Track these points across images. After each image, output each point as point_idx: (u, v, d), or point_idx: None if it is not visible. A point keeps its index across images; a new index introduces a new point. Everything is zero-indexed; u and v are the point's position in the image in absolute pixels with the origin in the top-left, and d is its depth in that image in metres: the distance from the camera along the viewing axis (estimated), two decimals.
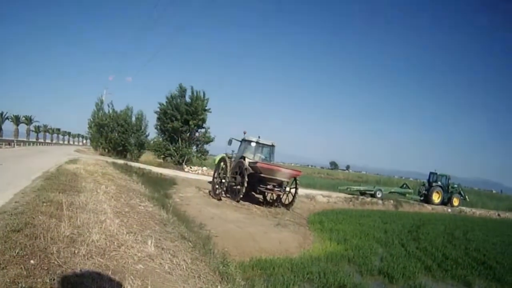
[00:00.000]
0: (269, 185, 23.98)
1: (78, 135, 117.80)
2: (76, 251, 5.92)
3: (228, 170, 25.07)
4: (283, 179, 24.31)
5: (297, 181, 25.37)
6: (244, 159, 24.14)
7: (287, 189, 25.47)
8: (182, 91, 46.12)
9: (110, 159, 34.72)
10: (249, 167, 23.38)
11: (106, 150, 48.09)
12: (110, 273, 5.32)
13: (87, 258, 5.73)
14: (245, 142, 26.07)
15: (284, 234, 17.82)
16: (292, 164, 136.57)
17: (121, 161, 33.23)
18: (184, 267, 6.38)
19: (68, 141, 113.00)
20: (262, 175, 23.33)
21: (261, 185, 24.01)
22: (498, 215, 47.78)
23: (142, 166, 33.54)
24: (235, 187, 24.26)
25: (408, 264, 15.02)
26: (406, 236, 21.58)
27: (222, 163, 26.01)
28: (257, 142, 25.78)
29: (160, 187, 22.90)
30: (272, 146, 26.46)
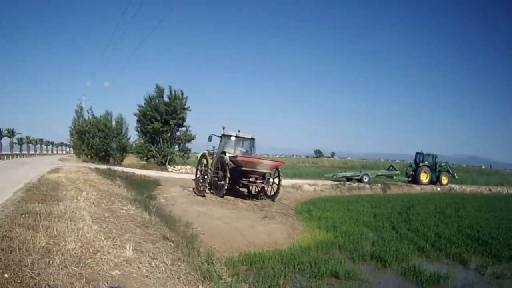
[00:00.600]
0: (251, 177, 24.04)
1: (61, 144, 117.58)
2: (50, 262, 5.69)
3: (209, 166, 24.97)
4: (265, 171, 24.42)
5: (280, 172, 25.36)
6: (225, 154, 24.12)
7: (271, 180, 25.47)
8: (160, 91, 46.04)
9: (93, 165, 34.46)
10: (230, 162, 23.36)
11: (89, 157, 47.81)
12: (84, 281, 5.09)
13: (61, 268, 5.50)
14: (225, 137, 26.08)
15: (272, 226, 17.63)
16: (277, 156, 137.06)
17: (104, 166, 32.95)
18: (164, 269, 6.16)
19: (52, 151, 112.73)
20: (243, 168, 23.34)
21: (243, 179, 24.04)
22: (489, 190, 48.13)
23: (125, 169, 33.28)
24: (218, 182, 24.17)
25: (400, 246, 14.84)
26: (396, 219, 21.48)
27: (203, 160, 25.85)
28: (236, 136, 25.86)
29: (144, 189, 22.72)
30: (252, 139, 26.55)
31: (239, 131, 26.21)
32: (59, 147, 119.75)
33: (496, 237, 17.16)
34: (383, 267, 12.74)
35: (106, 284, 5.09)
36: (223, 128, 26.43)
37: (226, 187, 23.15)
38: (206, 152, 26.64)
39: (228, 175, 22.93)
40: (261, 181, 24.68)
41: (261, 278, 10.29)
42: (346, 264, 12.61)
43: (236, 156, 23.57)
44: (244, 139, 26.38)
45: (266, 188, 25.71)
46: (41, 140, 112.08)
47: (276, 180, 25.43)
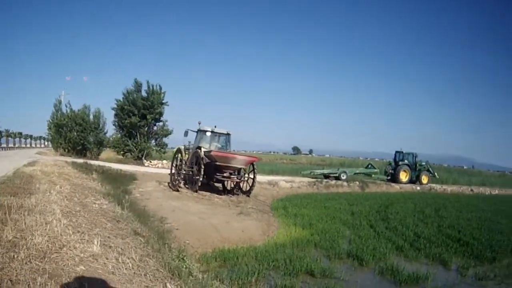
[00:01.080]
0: (226, 173, 24.19)
1: (40, 137, 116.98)
2: (15, 256, 5.51)
3: (184, 161, 25.23)
4: (239, 166, 24.56)
5: (255, 168, 25.53)
6: (200, 149, 24.16)
7: (246, 176, 25.73)
8: (138, 86, 46.14)
9: (70, 159, 34.31)
10: (205, 157, 23.43)
11: (66, 150, 47.53)
12: (47, 277, 4.94)
13: (25, 263, 5.33)
14: (201, 132, 26.15)
15: (247, 222, 17.53)
16: (254, 152, 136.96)
17: (80, 160, 32.71)
18: (131, 265, 6.03)
19: (31, 144, 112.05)
20: (217, 163, 23.52)
21: (218, 174, 24.08)
22: (471, 190, 48.34)
23: (102, 163, 33.06)
24: (193, 177, 24.29)
25: (378, 245, 14.80)
26: (374, 217, 21.46)
27: (178, 155, 26.22)
28: (212, 132, 25.92)
29: (120, 184, 22.61)
30: (228, 134, 26.74)
31: (215, 126, 26.30)
32: (38, 141, 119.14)
33: (478, 237, 17.12)
34: (360, 266, 12.64)
35: (69, 280, 4.97)
36: (199, 123, 26.55)
37: (200, 182, 23.21)
38: (182, 147, 26.74)
39: (203, 170, 23.03)
40: (235, 176, 24.89)
41: (235, 275, 10.16)
42: (322, 262, 12.48)
43: (210, 151, 23.59)
44: (220, 134, 26.55)
45: (241, 184, 25.90)
46: (20, 133, 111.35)
47: (252, 176, 25.50)
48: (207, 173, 24.32)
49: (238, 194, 25.19)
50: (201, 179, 23.17)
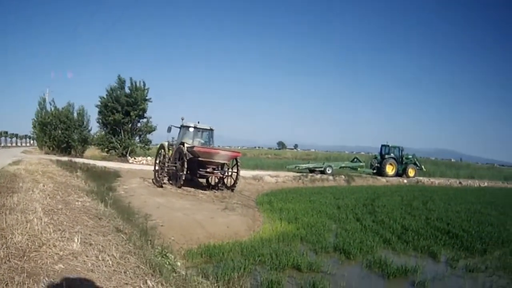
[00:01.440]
0: (209, 168, 24.31)
1: (26, 136, 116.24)
2: None
3: (168, 157, 25.45)
4: (222, 161, 24.76)
5: (238, 162, 25.68)
6: (183, 145, 24.32)
7: (229, 171, 26.02)
8: (121, 82, 45.94)
9: (55, 157, 34.06)
10: (188, 152, 23.58)
11: (51, 149, 47.23)
12: (25, 276, 4.88)
13: (4, 262, 5.27)
14: (184, 128, 26.31)
15: (232, 217, 17.45)
16: (239, 148, 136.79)
17: (65, 158, 32.45)
18: (111, 263, 5.96)
19: (16, 143, 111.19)
20: (200, 159, 23.63)
21: (201, 169, 24.19)
22: (460, 183, 48.56)
23: (86, 161, 32.95)
24: (176, 173, 24.54)
25: (365, 238, 14.79)
26: (361, 210, 21.50)
27: (161, 151, 26.55)
28: (195, 127, 26.09)
29: (104, 181, 22.46)
30: (211, 130, 26.88)
31: (198, 122, 26.46)
32: (24, 139, 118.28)
33: (467, 230, 17.13)
34: (347, 259, 12.61)
35: (47, 278, 4.91)
36: (182, 119, 26.64)
37: (183, 178, 23.43)
38: (166, 143, 26.92)
39: (186, 166, 23.16)
40: (218, 171, 25.05)
41: (220, 271, 10.09)
42: (308, 256, 12.44)
43: (193, 147, 23.76)
44: (203, 130, 26.69)
45: (225, 179, 26.11)
46: (6, 132, 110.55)
47: (235, 171, 25.67)
48: (191, 169, 24.24)
49: (222, 189, 25.28)
50: (184, 175, 23.33)
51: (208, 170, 24.60)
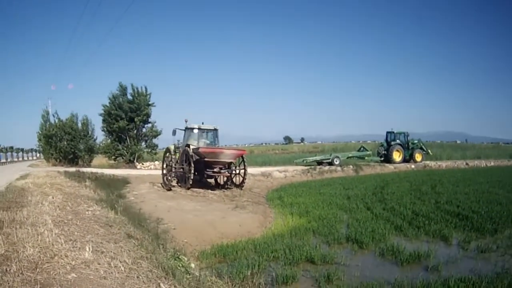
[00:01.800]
0: (215, 168, 24.59)
1: (31, 150, 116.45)
2: (7, 269, 5.52)
3: (173, 160, 26.01)
4: (228, 160, 25.08)
5: (245, 160, 25.97)
6: (189, 147, 24.66)
7: (236, 169, 26.28)
8: (123, 89, 46.00)
9: (62, 169, 33.98)
10: (194, 154, 23.85)
11: (58, 160, 47.10)
12: (38, 287, 4.93)
13: (17, 275, 5.31)
14: (188, 130, 26.63)
15: (243, 216, 17.54)
16: (246, 145, 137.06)
17: (72, 169, 32.43)
18: (123, 269, 5.96)
19: (23, 158, 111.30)
20: (206, 159, 23.90)
21: (208, 169, 24.44)
22: (467, 164, 48.60)
23: (94, 170, 32.82)
24: (184, 175, 24.76)
25: (376, 226, 14.68)
26: (370, 199, 21.40)
27: (167, 154, 27.05)
28: (199, 128, 26.35)
29: (113, 188, 22.43)
30: (215, 130, 27.12)
31: (202, 123, 26.73)
32: (29, 153, 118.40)
33: (477, 211, 17.01)
34: (360, 249, 12.52)
35: None
36: (186, 121, 26.93)
37: (192, 179, 23.56)
38: (172, 146, 27.30)
39: (193, 167, 23.38)
40: (225, 170, 25.32)
41: (235, 269, 10.05)
42: (321, 248, 12.37)
43: (198, 148, 24.00)
44: (207, 130, 26.96)
45: (233, 177, 26.46)
46: (11, 147, 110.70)
47: (243, 169, 25.88)
48: (198, 170, 24.50)
49: (231, 188, 25.58)
50: (192, 176, 23.46)
51: (215, 170, 24.81)
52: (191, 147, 24.89)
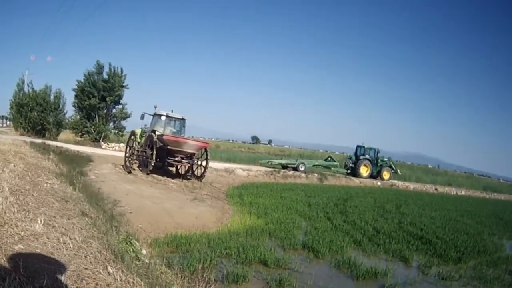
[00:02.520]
0: (177, 157, 24.86)
1: (2, 117, 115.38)
2: None
3: (137, 144, 26.29)
4: (190, 151, 25.23)
5: (208, 153, 26.51)
6: (154, 133, 24.98)
7: (198, 161, 26.83)
8: (99, 67, 45.75)
9: (29, 139, 33.64)
10: (158, 140, 24.14)
11: (26, 130, 46.63)
12: None
13: None
14: (156, 116, 26.86)
15: (201, 208, 17.55)
16: (213, 140, 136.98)
17: (39, 141, 32.08)
18: (72, 246, 5.89)
19: None
20: (169, 147, 24.13)
21: (169, 158, 24.75)
22: (436, 189, 49.03)
23: (59, 144, 32.57)
24: (146, 160, 25.02)
25: (335, 238, 14.77)
26: (332, 209, 21.53)
27: (132, 137, 27.24)
28: (167, 116, 26.65)
29: (76, 165, 22.19)
30: (183, 119, 27.41)
31: (172, 111, 27.12)
32: (0, 120, 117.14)
33: (442, 237, 17.22)
34: (315, 258, 12.62)
35: (4, 258, 4.87)
36: (155, 107, 27.25)
37: (152, 165, 23.85)
38: (139, 130, 27.56)
39: (155, 153, 23.69)
40: (187, 161, 25.59)
41: (186, 261, 10.07)
42: (276, 252, 12.50)
43: (162, 135, 24.32)
44: (175, 119, 27.24)
45: (195, 168, 26.98)
46: None
47: (204, 162, 26.48)
48: (160, 157, 24.87)
49: (190, 179, 25.97)
50: (153, 162, 23.81)
51: (176, 159, 25.17)
52: (157, 133, 25.16)
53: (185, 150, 24.88)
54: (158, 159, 24.69)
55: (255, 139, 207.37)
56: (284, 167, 42.18)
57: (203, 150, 26.77)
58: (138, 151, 26.31)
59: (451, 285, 11.61)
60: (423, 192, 44.67)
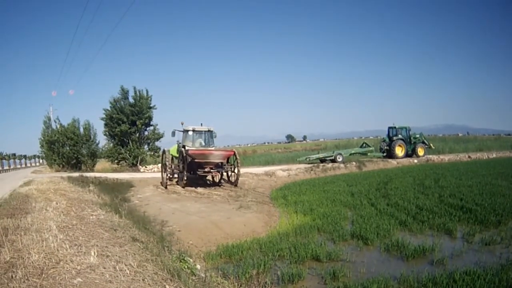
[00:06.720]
0: (206, 167, 26.00)
1: (34, 156, 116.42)
2: (13, 276, 5.54)
3: (168, 161, 27.46)
4: (216, 161, 26.67)
5: (237, 159, 27.25)
6: (184, 148, 26.25)
7: (228, 167, 27.89)
8: (124, 92, 46.19)
9: (65, 174, 34.01)
10: (187, 155, 25.16)
11: (61, 166, 47.23)
12: None
13: (23, 281, 5.34)
14: (185, 131, 28.09)
15: (248, 215, 17.56)
16: (249, 145, 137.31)
17: (76, 174, 32.42)
18: (128, 272, 5.96)
19: (26, 164, 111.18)
20: (196, 160, 25.22)
21: (199, 169, 25.88)
22: (469, 157, 48.24)
23: (97, 174, 32.93)
24: (181, 174, 26.48)
25: (381, 222, 14.68)
26: (374, 195, 21.36)
27: (164, 156, 28.47)
28: (193, 130, 27.97)
29: (117, 192, 22.48)
30: (209, 131, 28.58)
31: (201, 124, 28.49)
32: (32, 160, 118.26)
33: (480, 203, 16.97)
34: (365, 245, 12.54)
35: None
36: (182, 124, 28.51)
37: (186, 178, 25.32)
38: (173, 147, 29.35)
39: (187, 167, 25.17)
40: (215, 170, 26.67)
41: (241, 269, 10.07)
42: (327, 246, 12.42)
43: (188, 150, 25.57)
44: (202, 132, 28.44)
45: (230, 176, 28.22)
46: (14, 154, 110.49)
47: (237, 168, 27.25)
48: (192, 169, 26.32)
49: (222, 185, 27.47)
50: (187, 175, 25.29)
51: (205, 169, 26.21)
52: (187, 148, 26.53)
53: (211, 160, 26.05)
54: (191, 172, 26.19)
55: (290, 138, 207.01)
56: (322, 160, 41.99)
57: (234, 157, 27.59)
58: (170, 166, 27.41)
59: (495, 249, 11.50)
60: (458, 162, 44.19)
